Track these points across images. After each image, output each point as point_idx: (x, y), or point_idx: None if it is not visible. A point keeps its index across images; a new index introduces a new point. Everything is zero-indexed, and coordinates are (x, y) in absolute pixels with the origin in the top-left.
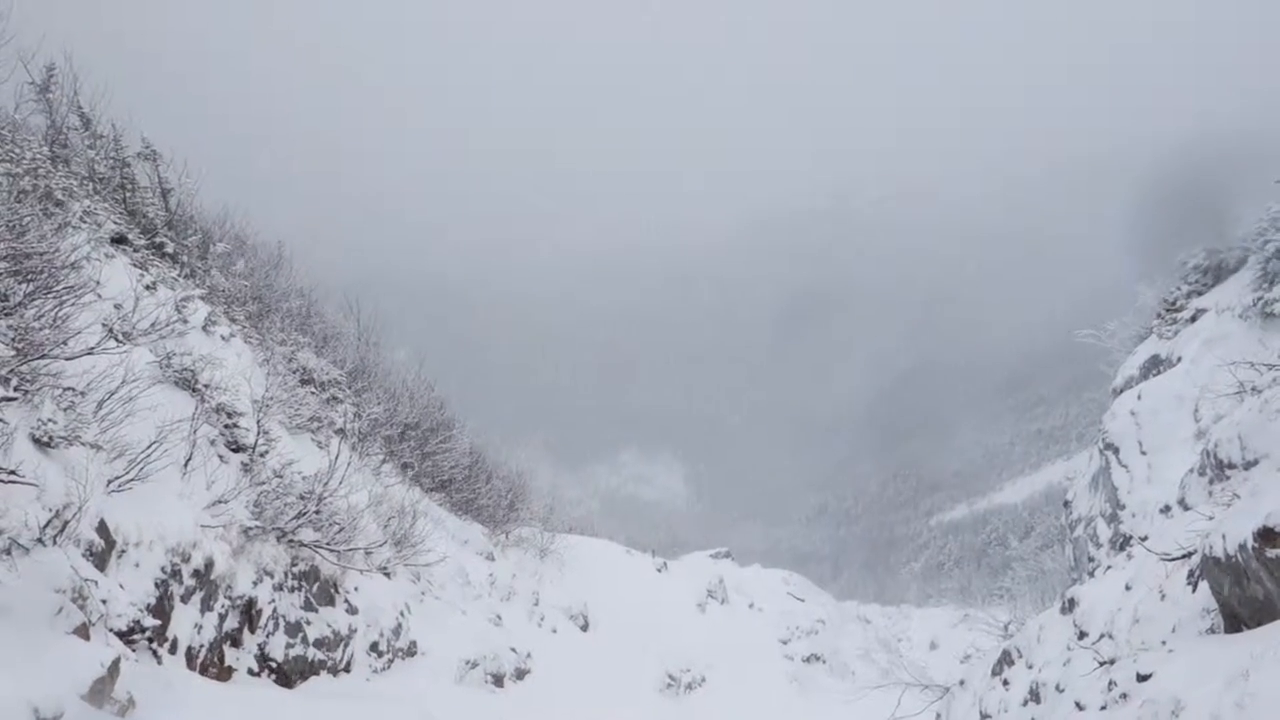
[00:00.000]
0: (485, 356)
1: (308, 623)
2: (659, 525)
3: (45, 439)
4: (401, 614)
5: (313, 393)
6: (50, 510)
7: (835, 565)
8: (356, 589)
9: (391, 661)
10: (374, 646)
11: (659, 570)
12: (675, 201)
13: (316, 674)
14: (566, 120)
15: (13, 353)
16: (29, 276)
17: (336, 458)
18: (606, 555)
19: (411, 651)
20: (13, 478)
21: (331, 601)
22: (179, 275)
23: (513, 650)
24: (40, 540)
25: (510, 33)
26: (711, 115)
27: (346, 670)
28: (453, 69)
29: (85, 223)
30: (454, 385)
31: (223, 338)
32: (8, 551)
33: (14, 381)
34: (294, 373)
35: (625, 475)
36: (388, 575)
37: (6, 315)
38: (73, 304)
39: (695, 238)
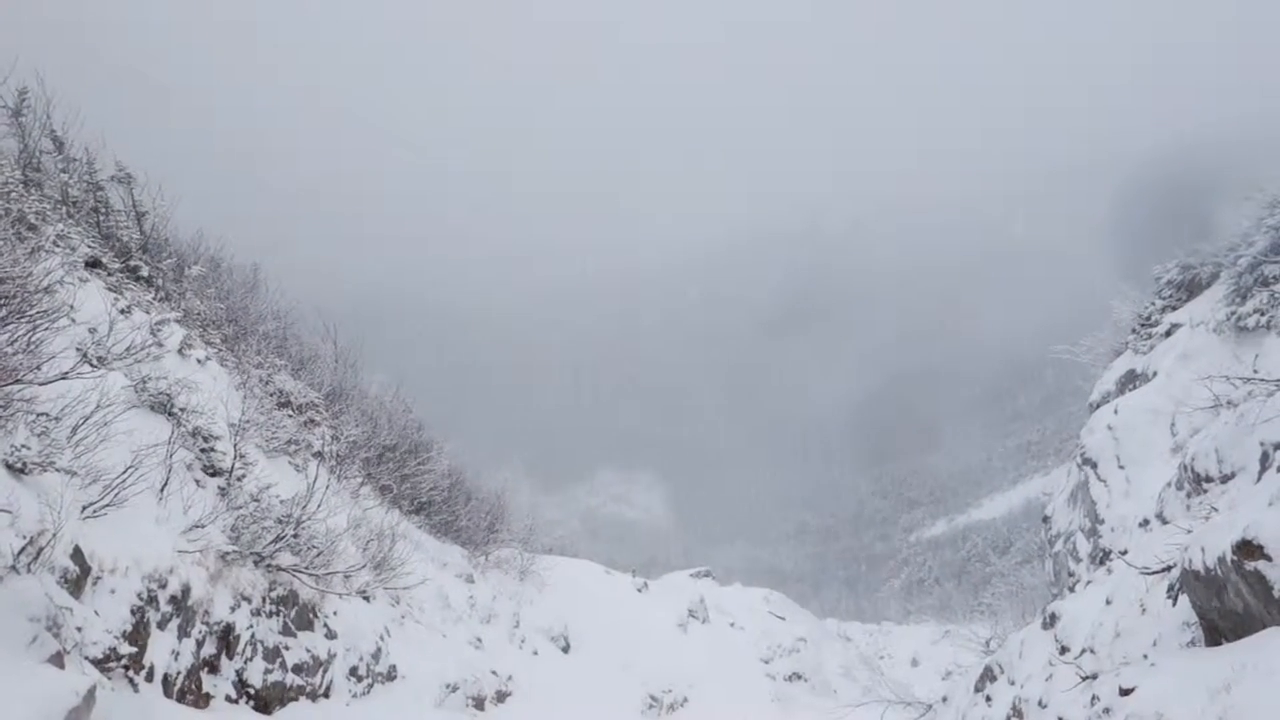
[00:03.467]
0: (463, 378)
1: (286, 648)
2: (639, 545)
3: (19, 465)
4: (381, 638)
5: (290, 415)
6: (24, 537)
7: (816, 583)
8: (335, 613)
9: (371, 686)
10: (353, 671)
11: (639, 590)
12: (655, 223)
13: (295, 700)
14: (546, 141)
15: None
16: (1, 301)
17: (314, 481)
18: (587, 576)
19: (391, 675)
20: None
21: (310, 626)
22: (154, 299)
23: (493, 673)
24: (14, 568)
25: (488, 54)
26: (690, 136)
27: (326, 695)
28: (427, 87)
29: (59, 246)
30: (432, 407)
31: (198, 361)
32: None
33: None
34: (271, 395)
35: (604, 495)
36: (367, 599)
37: None
38: (46, 328)
39: (674, 258)
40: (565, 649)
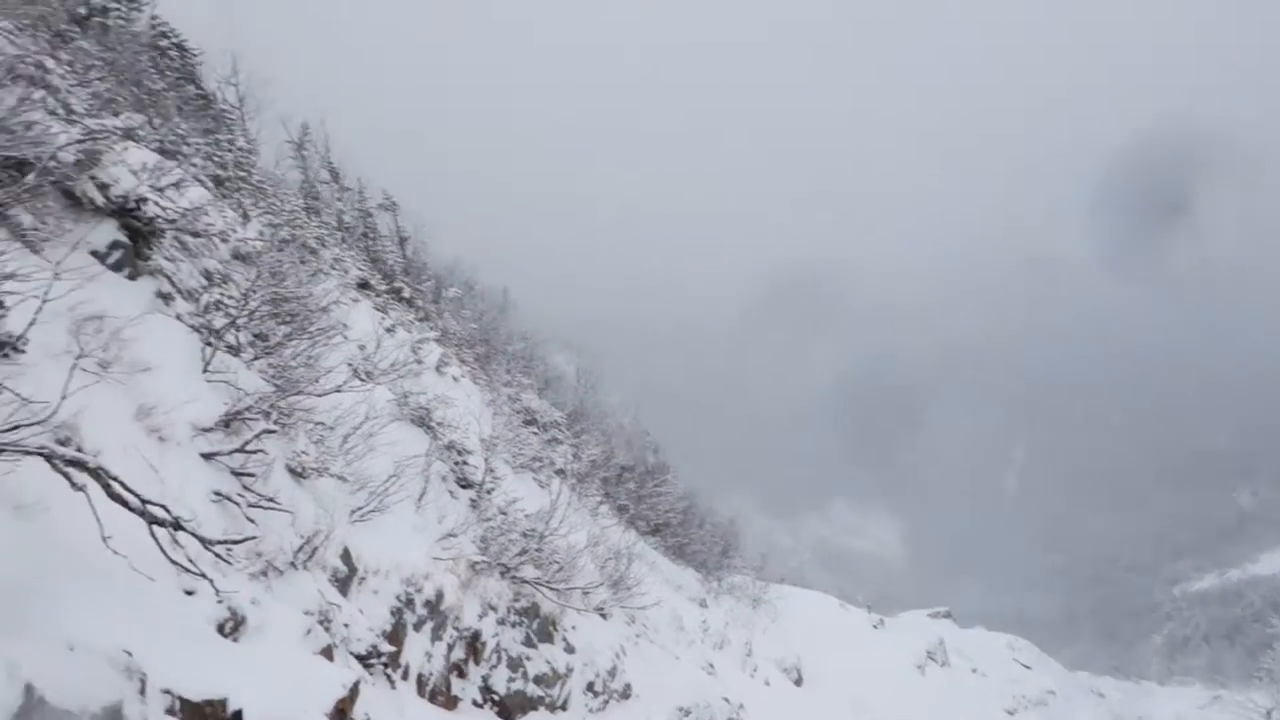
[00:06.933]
0: (696, 403)
1: (528, 658)
2: (871, 579)
3: (299, 469)
4: (617, 655)
5: (535, 433)
6: (302, 536)
7: (1064, 632)
8: (574, 628)
9: (607, 703)
10: (590, 686)
11: (875, 626)
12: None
13: (535, 709)
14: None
15: (273, 389)
16: (287, 319)
17: (557, 497)
18: (820, 608)
19: (626, 694)
20: (271, 504)
21: (550, 639)
22: (415, 319)
23: (725, 700)
24: (293, 564)
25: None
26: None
27: (564, 708)
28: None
29: (334, 269)
30: (667, 431)
31: (454, 378)
32: (264, 573)
33: (274, 415)
34: (518, 413)
35: (837, 526)
36: (604, 616)
37: (268, 354)
38: (324, 345)
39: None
40: (798, 681)
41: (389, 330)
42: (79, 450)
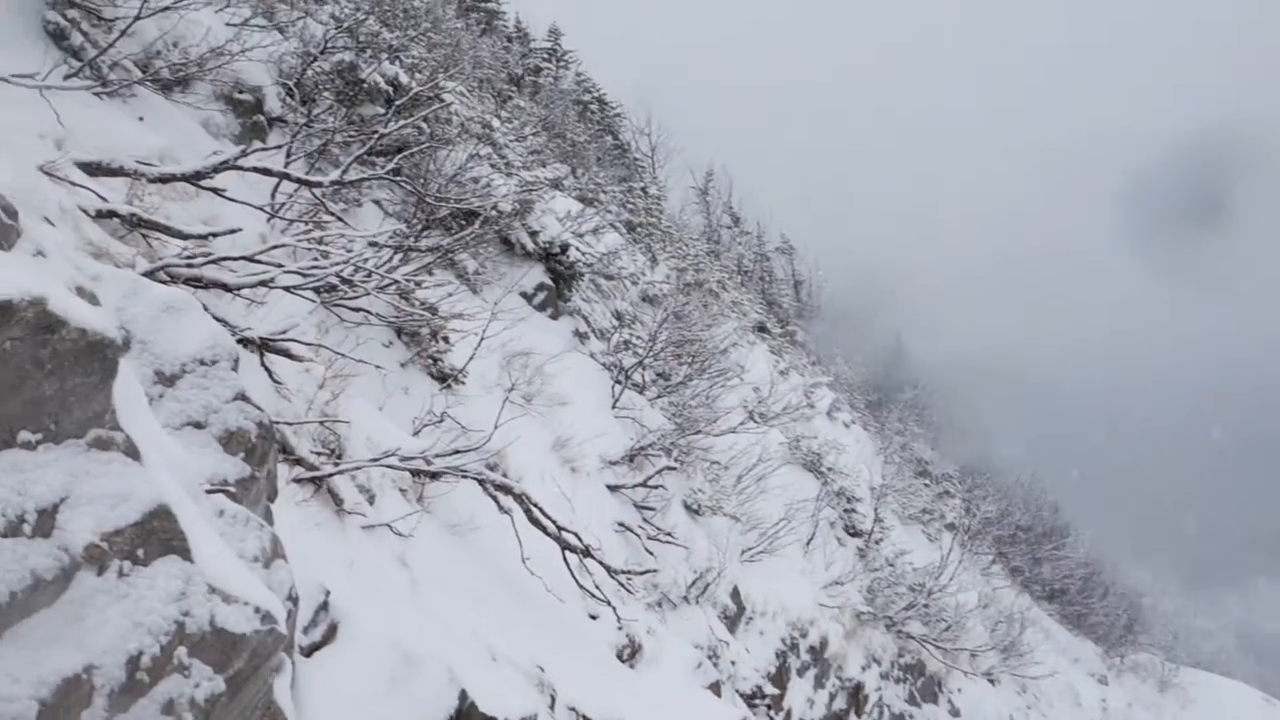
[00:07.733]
0: (1100, 457)
1: (911, 716)
2: None
3: (694, 507)
4: None
5: (926, 485)
6: (695, 572)
7: None
8: (960, 690)
9: None
10: None
11: None
12: None
13: None
14: None
15: (674, 427)
16: (688, 359)
17: (948, 553)
18: (1240, 700)
19: None
20: (669, 539)
21: (934, 699)
22: (808, 362)
23: None
24: (685, 598)
25: None
26: None
27: None
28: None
29: (733, 312)
30: (1068, 488)
31: (844, 424)
32: (659, 604)
33: (674, 453)
34: (908, 463)
35: (1262, 609)
36: (992, 681)
37: (670, 393)
38: (722, 386)
39: None
40: None
41: (783, 373)
42: (505, 476)
